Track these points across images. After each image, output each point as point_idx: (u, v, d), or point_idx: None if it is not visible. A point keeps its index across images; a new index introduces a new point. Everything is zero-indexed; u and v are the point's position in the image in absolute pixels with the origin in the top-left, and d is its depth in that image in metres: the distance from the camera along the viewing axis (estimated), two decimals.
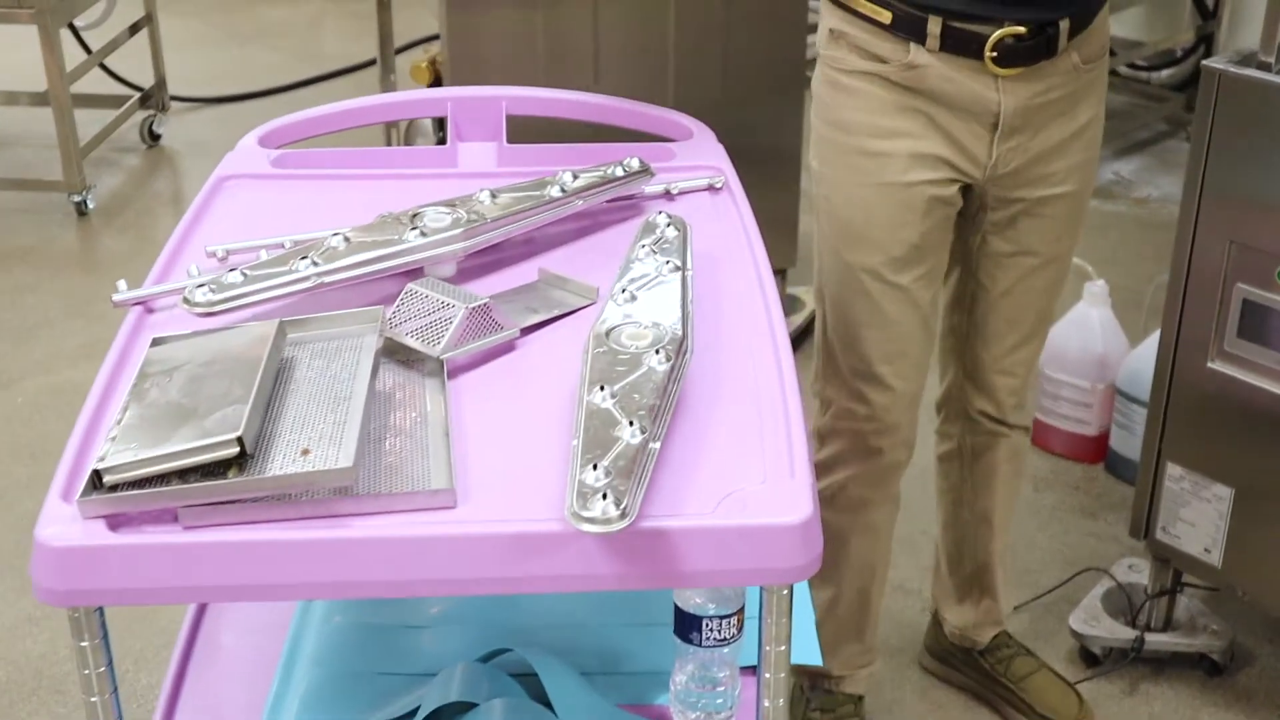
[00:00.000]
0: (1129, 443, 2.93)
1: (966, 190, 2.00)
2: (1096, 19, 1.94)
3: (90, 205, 4.27)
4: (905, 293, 2.00)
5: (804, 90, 3.03)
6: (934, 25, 1.86)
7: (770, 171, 3.05)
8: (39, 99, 4.40)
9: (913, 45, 1.88)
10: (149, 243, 4.04)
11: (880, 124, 1.93)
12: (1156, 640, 2.50)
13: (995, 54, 1.87)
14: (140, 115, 4.79)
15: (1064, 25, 1.88)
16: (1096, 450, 3.08)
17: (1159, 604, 2.50)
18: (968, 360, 2.20)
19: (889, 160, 1.94)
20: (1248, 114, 2.13)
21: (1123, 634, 2.50)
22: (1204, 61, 2.18)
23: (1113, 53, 4.50)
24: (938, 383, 2.28)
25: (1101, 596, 2.58)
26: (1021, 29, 1.86)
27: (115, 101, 4.73)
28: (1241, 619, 2.56)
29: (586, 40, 3.00)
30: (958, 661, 2.49)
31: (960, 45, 1.87)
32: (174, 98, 4.99)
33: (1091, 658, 2.53)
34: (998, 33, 1.85)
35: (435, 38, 3.20)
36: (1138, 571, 2.61)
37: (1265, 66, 2.13)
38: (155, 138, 4.81)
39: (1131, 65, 4.79)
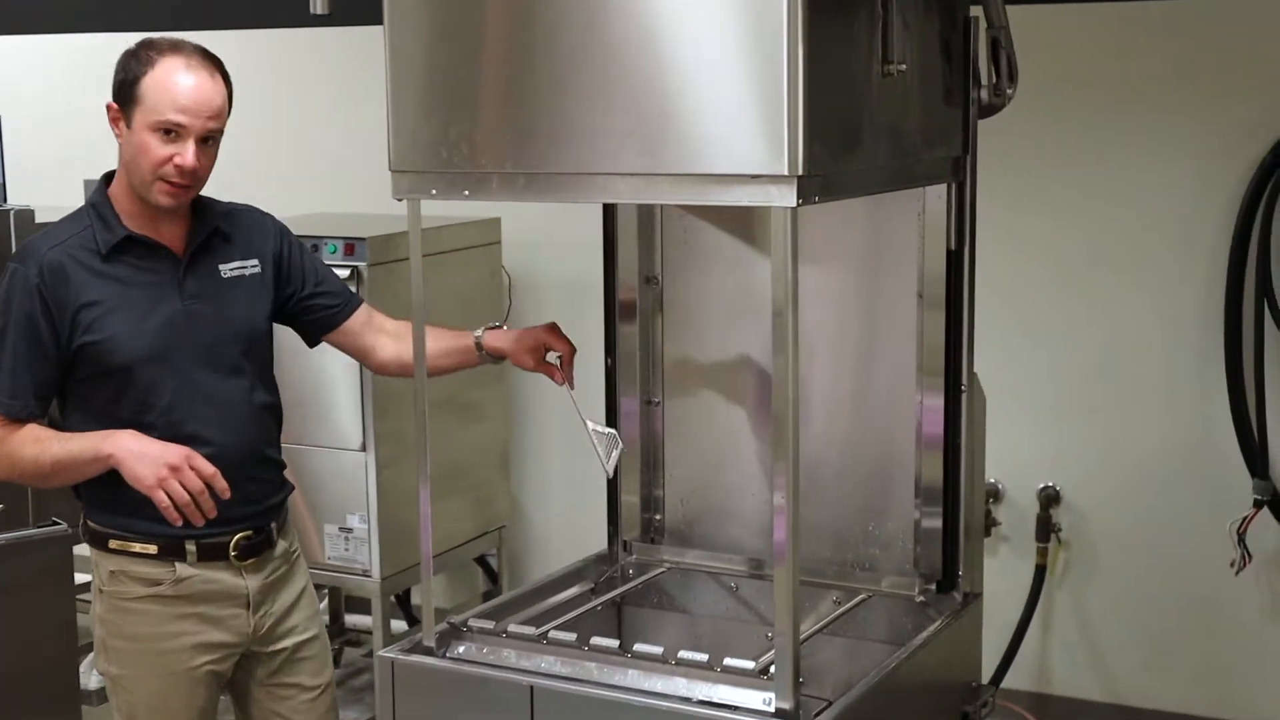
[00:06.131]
0: None
1: (240, 661, 2.76)
2: (287, 525, 2.84)
3: None
4: None
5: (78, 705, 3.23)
6: (190, 544, 2.65)
7: None
8: None
9: (178, 564, 2.65)
10: None
11: (165, 630, 2.67)
12: None
13: (236, 552, 2.69)
14: None
15: (274, 526, 2.77)
16: None
17: None
18: None
19: (176, 655, 2.68)
20: (420, 690, 2.54)
21: None
22: (379, 652, 2.60)
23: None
24: None
25: None
26: (250, 532, 2.71)
27: None
28: None
29: None
30: None
31: (212, 554, 2.68)
32: None
33: None
34: (236, 537, 2.69)
35: None
36: None
37: (430, 651, 2.57)
38: None
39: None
